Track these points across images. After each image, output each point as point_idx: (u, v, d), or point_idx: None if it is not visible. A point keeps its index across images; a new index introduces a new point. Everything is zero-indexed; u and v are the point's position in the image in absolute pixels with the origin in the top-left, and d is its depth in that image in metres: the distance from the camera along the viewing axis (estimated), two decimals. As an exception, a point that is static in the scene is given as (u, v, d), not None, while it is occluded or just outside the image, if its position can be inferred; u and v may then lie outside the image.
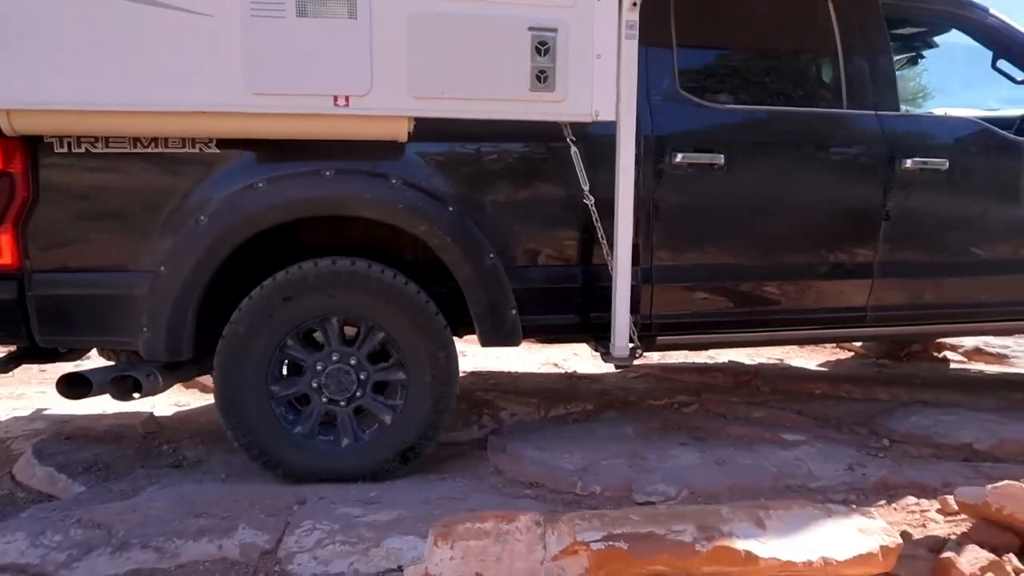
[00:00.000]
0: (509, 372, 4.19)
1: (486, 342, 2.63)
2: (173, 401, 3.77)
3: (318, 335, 2.58)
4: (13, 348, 2.66)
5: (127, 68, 2.13)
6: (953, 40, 3.36)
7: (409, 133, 2.37)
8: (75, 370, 2.51)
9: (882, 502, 2.46)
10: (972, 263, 3.09)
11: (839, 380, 3.88)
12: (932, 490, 2.51)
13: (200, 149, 2.37)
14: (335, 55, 2.20)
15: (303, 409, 2.57)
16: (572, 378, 4.08)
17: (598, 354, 2.84)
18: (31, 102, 2.13)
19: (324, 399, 2.53)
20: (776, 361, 4.57)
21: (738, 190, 2.79)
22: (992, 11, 3.13)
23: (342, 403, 2.54)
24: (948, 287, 3.09)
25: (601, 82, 2.37)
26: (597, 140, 2.55)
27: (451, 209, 2.52)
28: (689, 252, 2.84)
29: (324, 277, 2.45)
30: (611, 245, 2.56)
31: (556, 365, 4.39)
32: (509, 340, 2.63)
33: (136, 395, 2.50)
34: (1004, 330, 3.83)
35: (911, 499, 2.46)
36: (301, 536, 2.10)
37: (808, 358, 4.71)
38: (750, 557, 1.39)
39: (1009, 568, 1.77)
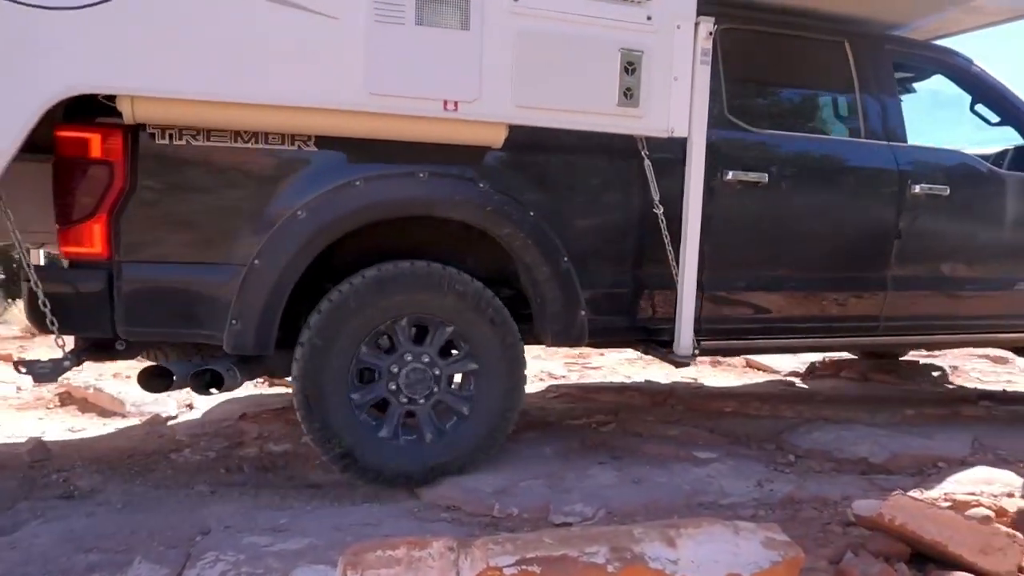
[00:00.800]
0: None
1: (556, 342, 2.79)
2: (67, 426, 3.52)
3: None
4: (71, 344, 2.53)
5: (253, 62, 2.19)
6: (921, 86, 3.70)
7: (505, 140, 2.52)
8: (157, 363, 2.51)
9: (788, 516, 2.55)
10: (967, 279, 3.45)
11: (748, 398, 4.03)
12: (833, 503, 2.62)
13: (299, 146, 2.41)
14: (448, 62, 2.34)
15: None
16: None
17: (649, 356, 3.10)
18: (159, 90, 2.14)
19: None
20: (691, 380, 4.70)
21: (779, 207, 3.05)
22: (975, 62, 3.52)
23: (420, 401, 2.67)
24: (947, 300, 3.43)
25: (677, 102, 2.61)
26: (656, 157, 2.75)
27: (531, 214, 2.65)
28: (734, 263, 3.03)
29: (418, 277, 2.56)
30: (677, 253, 2.77)
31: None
32: (578, 340, 2.80)
33: (214, 390, 2.52)
34: (990, 342, 4.13)
35: (814, 512, 2.55)
36: (203, 569, 1.99)
37: (720, 377, 4.87)
38: (661, 576, 1.41)
39: (900, 577, 1.87)
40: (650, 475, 2.81)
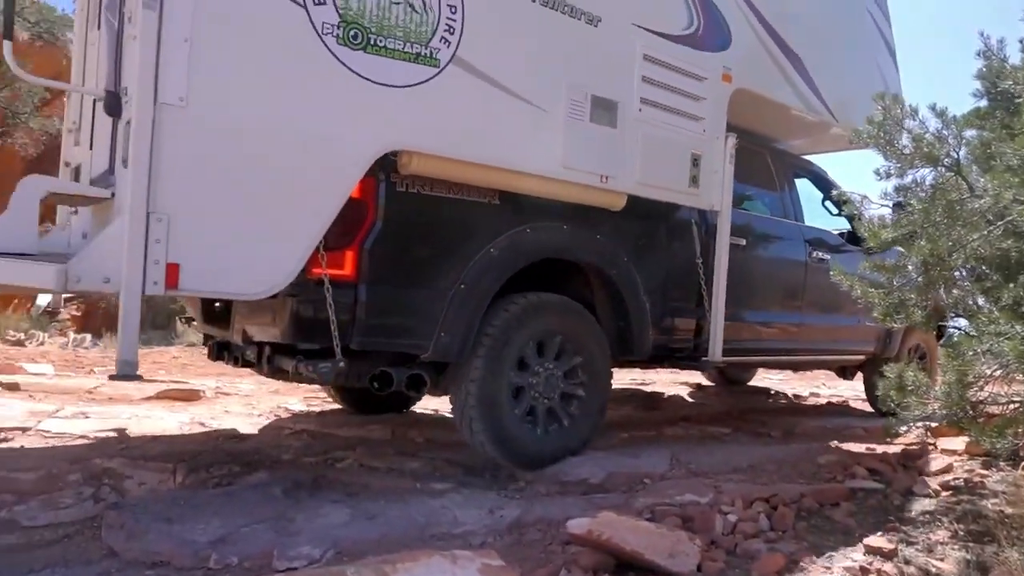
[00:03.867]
0: (143, 435, 3.68)
1: (633, 356, 3.74)
2: None
3: None
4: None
5: (493, 135, 3.04)
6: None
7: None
8: (384, 368, 2.97)
9: (515, 540, 2.65)
10: (835, 316, 4.88)
11: (486, 427, 4.16)
12: (556, 523, 2.77)
13: (488, 200, 3.14)
14: (604, 149, 3.39)
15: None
16: (219, 438, 3.73)
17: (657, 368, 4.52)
18: (436, 150, 2.88)
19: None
20: (432, 412, 4.76)
21: (750, 262, 4.31)
22: (827, 172, 5.23)
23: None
24: (826, 332, 4.90)
25: (716, 187, 3.89)
26: (697, 223, 3.95)
27: (625, 259, 3.60)
28: (731, 300, 3.97)
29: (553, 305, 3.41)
30: (710, 291, 3.90)
31: (202, 424, 3.98)
32: (646, 355, 3.77)
33: (413, 393, 3.16)
34: (843, 362, 5.48)
35: (538, 534, 2.69)
36: None
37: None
38: (376, 614, 1.36)
39: (605, 587, 2.04)
40: (385, 510, 2.76)
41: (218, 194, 2.48)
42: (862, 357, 5.27)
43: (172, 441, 3.57)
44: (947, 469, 3.20)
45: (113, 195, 2.74)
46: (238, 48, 2.49)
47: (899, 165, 2.87)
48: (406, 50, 2.79)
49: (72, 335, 11.40)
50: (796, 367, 6.04)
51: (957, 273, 3.05)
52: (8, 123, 11.08)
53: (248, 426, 4.04)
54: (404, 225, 2.92)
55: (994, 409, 2.71)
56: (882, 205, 3.16)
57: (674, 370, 4.55)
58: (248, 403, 4.86)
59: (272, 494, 2.86)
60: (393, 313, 2.90)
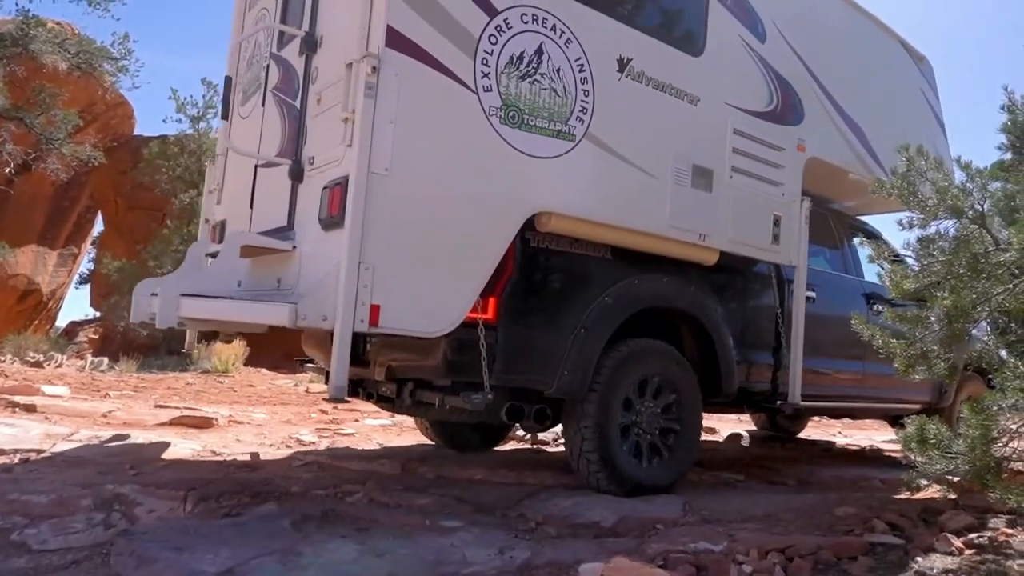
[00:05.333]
0: (156, 459, 3.68)
1: (720, 396, 3.98)
2: None
3: None
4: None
5: (615, 198, 3.49)
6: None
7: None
8: (515, 402, 3.31)
9: (524, 583, 2.60)
10: (888, 366, 4.81)
11: (497, 465, 4.13)
12: (567, 567, 2.71)
13: (603, 255, 3.54)
14: (702, 210, 3.80)
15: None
16: (230, 467, 3.72)
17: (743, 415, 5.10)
18: (568, 210, 3.31)
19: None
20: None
21: (820, 313, 4.57)
22: (881, 232, 5.56)
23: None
24: (881, 380, 4.93)
25: (794, 244, 4.31)
26: (775, 277, 4.36)
27: (715, 308, 3.97)
28: (805, 348, 4.31)
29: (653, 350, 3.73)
30: (788, 338, 4.29)
31: (214, 452, 3.97)
32: (731, 396, 4.03)
33: (537, 425, 3.54)
34: (897, 411, 5.58)
35: (548, 577, 2.64)
36: None
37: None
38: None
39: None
40: (394, 547, 2.72)
41: (411, 247, 2.92)
42: (917, 406, 5.43)
43: (183, 468, 3.56)
44: (970, 526, 3.11)
45: (294, 248, 3.23)
46: (426, 127, 2.98)
47: (922, 216, 2.86)
48: (550, 127, 3.29)
49: (90, 358, 11.49)
50: (857, 415, 6.22)
51: (980, 325, 3.01)
52: (42, 148, 11.37)
53: (259, 456, 4.02)
54: (535, 276, 3.32)
55: (1019, 465, 2.64)
56: (904, 256, 3.15)
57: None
58: (260, 432, 4.86)
59: (281, 526, 2.84)
60: (525, 353, 3.25)
